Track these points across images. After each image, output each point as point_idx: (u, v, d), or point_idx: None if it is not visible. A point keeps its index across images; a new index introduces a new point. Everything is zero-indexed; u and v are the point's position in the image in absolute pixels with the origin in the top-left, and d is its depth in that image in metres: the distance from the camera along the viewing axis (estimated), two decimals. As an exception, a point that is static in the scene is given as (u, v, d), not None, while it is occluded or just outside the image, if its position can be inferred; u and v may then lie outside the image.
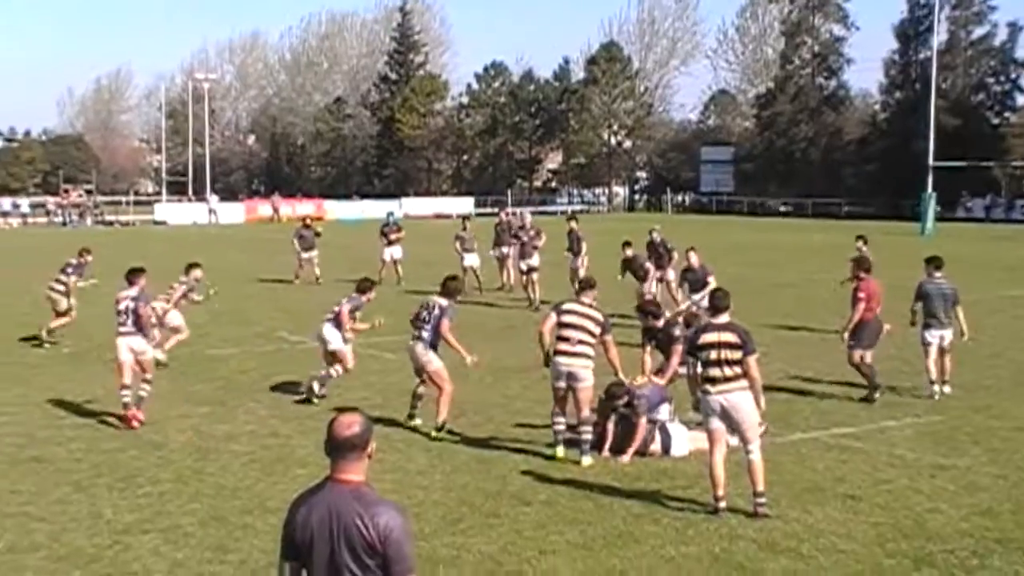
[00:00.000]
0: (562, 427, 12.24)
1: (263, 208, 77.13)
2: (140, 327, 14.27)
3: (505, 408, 14.69)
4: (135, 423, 13.70)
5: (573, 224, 27.83)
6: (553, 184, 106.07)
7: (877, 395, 15.26)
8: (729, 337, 10.26)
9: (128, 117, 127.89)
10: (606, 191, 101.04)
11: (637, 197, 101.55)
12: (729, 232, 57.85)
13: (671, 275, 23.83)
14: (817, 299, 27.07)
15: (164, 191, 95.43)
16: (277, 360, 18.89)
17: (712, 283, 19.05)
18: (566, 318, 12.09)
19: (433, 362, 13.30)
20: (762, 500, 10.19)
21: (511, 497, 10.77)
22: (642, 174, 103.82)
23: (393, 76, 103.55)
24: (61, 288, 20.86)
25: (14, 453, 12.48)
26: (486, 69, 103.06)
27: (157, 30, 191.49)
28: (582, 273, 24.80)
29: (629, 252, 24.06)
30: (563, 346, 11.98)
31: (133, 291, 14.49)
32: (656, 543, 9.51)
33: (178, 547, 9.39)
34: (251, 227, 69.04)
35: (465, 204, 79.04)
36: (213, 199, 77.42)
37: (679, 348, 11.05)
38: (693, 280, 20.83)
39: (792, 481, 11.37)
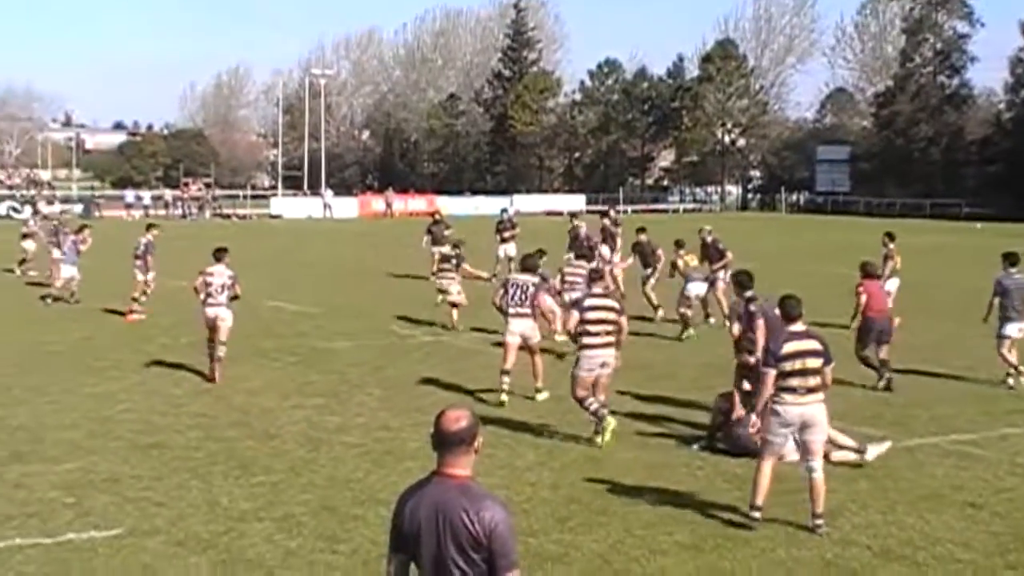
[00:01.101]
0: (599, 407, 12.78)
1: (376, 203, 78.02)
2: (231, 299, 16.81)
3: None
4: (216, 377, 16.20)
5: (606, 221, 28.18)
6: (665, 182, 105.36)
7: (883, 381, 16.05)
8: (813, 345, 9.97)
9: (246, 112, 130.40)
10: (718, 190, 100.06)
11: (750, 196, 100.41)
12: (844, 232, 56.82)
13: (722, 275, 22.39)
14: (933, 301, 26.46)
15: (280, 185, 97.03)
16: (389, 354, 19.08)
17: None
18: (592, 315, 12.76)
19: (537, 335, 14.82)
20: (820, 522, 9.74)
21: (620, 495, 10.72)
22: (756, 173, 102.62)
23: (507, 73, 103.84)
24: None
25: (134, 439, 12.80)
26: (599, 66, 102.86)
27: (276, 28, 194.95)
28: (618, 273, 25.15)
29: (643, 237, 24.59)
30: (594, 339, 12.69)
31: (227, 269, 16.84)
32: (767, 545, 9.39)
33: (291, 536, 9.55)
34: (365, 222, 69.89)
35: (576, 201, 78.99)
36: (328, 194, 78.50)
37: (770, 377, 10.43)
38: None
39: (908, 487, 11.13)
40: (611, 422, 12.66)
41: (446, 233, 30.98)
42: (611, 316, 12.77)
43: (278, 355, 18.77)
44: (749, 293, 12.95)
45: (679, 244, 22.48)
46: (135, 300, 23.22)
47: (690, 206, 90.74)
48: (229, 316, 16.73)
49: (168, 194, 78.60)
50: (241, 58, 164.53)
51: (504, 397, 14.64)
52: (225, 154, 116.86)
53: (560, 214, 73.40)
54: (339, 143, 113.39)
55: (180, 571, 8.78)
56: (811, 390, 9.79)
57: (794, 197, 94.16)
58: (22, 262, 31.86)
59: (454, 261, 22.77)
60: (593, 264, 21.40)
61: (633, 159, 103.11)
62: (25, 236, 32.29)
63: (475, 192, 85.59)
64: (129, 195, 76.72)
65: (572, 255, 24.56)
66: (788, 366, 9.78)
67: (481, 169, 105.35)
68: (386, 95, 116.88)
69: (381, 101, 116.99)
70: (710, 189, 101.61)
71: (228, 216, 72.01)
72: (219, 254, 17.07)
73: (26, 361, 18.07)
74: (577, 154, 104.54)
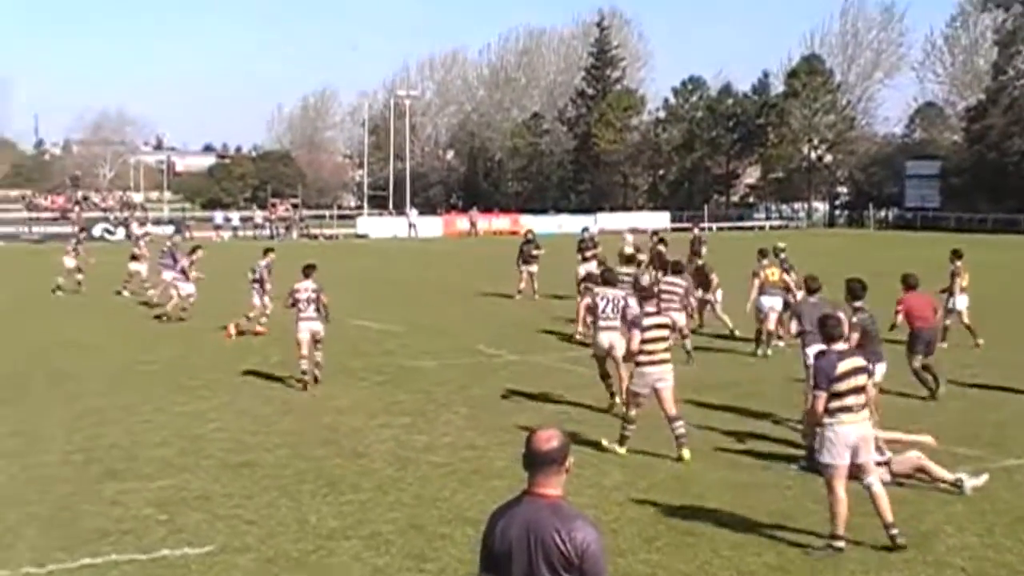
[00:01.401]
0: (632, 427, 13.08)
1: (461, 222, 78.42)
2: (321, 311, 17.81)
3: (705, 424, 14.49)
4: (317, 380, 17.43)
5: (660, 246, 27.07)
6: (751, 199, 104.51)
7: (940, 392, 16.30)
8: (861, 362, 9.89)
9: (332, 133, 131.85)
10: (805, 206, 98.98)
11: (838, 212, 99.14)
12: (934, 248, 55.78)
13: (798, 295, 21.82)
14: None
15: (366, 205, 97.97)
16: (475, 373, 19.12)
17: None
18: (649, 333, 13.00)
19: (623, 347, 14.56)
20: (895, 531, 9.58)
21: (708, 515, 10.61)
22: (843, 189, 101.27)
23: (590, 91, 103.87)
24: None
25: (225, 458, 12.98)
26: (683, 83, 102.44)
27: (361, 50, 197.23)
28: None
29: (699, 261, 24.78)
30: (651, 357, 12.91)
31: (313, 283, 17.80)
32: (857, 568, 9.23)
33: (379, 554, 9.60)
34: (449, 241, 70.29)
35: (661, 219, 78.71)
36: (413, 213, 79.09)
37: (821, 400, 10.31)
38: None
39: (1006, 509, 10.87)
40: (686, 454, 12.75)
41: (534, 253, 31.12)
42: (666, 333, 13.23)
43: (365, 374, 18.91)
44: (859, 303, 13.13)
45: (763, 254, 22.26)
46: (248, 319, 23.75)
47: (776, 223, 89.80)
48: (321, 328, 17.85)
49: (257, 215, 79.75)
50: (327, 80, 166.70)
51: (617, 400, 15.04)
52: (312, 175, 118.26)
53: (644, 231, 73.26)
54: (424, 163, 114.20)
55: (270, 588, 8.88)
56: (863, 406, 9.74)
57: (883, 213, 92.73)
58: (127, 283, 32.32)
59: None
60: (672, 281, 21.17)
61: (718, 176, 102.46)
62: (134, 258, 32.70)
63: (559, 210, 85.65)
64: (218, 216, 77.98)
65: (660, 273, 24.07)
66: (843, 386, 9.62)
67: (565, 188, 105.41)
68: (470, 115, 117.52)
69: (465, 121, 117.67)
70: (796, 206, 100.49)
71: (315, 236, 72.86)
72: (307, 271, 18.01)
73: (120, 380, 18.42)
74: (661, 172, 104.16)
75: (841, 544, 9.57)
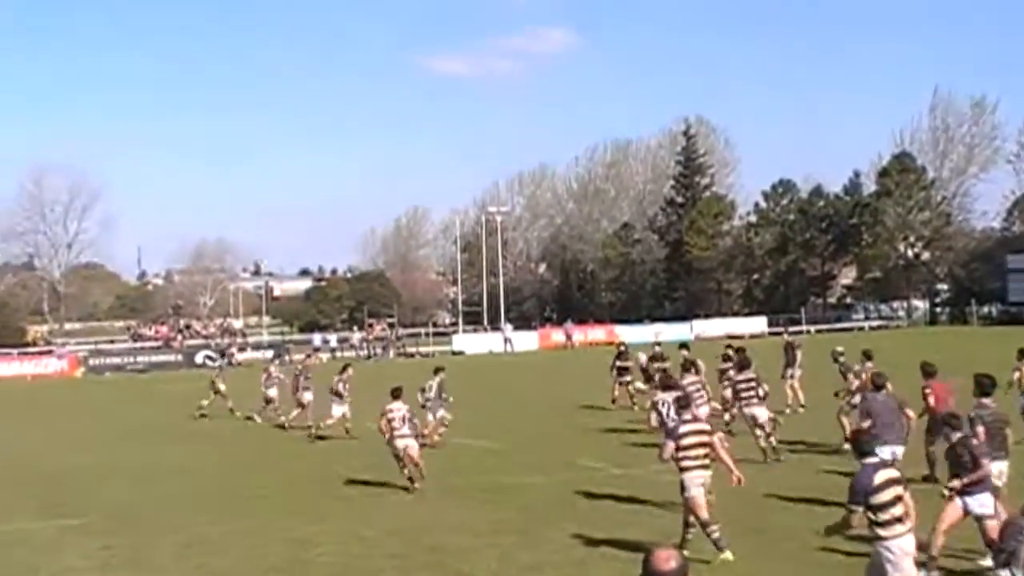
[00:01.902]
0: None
1: (556, 335, 78.39)
2: (413, 430, 19.44)
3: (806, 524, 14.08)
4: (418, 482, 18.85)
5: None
6: (848, 300, 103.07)
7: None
8: (895, 474, 9.94)
9: (425, 252, 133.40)
10: (905, 305, 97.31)
11: (938, 310, 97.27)
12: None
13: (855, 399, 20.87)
14: None
15: (460, 322, 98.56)
16: (578, 487, 18.87)
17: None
18: (687, 440, 13.32)
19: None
20: None
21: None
22: (943, 286, 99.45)
23: (679, 199, 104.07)
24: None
25: (332, 582, 12.89)
26: (774, 187, 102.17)
27: (452, 170, 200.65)
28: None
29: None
30: (693, 463, 13.24)
31: (403, 404, 19.45)
32: None
33: None
34: (545, 354, 70.20)
35: (758, 323, 78.06)
36: (507, 328, 79.30)
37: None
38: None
39: None
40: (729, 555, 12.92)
41: (627, 364, 31.01)
42: (704, 439, 13.50)
43: (467, 492, 18.79)
44: (986, 399, 13.27)
45: (867, 355, 22.49)
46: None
47: (875, 323, 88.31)
48: (415, 444, 19.34)
49: (354, 336, 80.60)
50: (419, 199, 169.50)
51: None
52: (406, 294, 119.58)
53: (741, 337, 72.62)
54: (516, 277, 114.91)
55: None
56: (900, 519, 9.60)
57: (986, 309, 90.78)
58: (264, 407, 31.95)
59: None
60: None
61: (813, 278, 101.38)
62: (268, 383, 32.24)
63: (654, 319, 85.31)
64: (317, 339, 78.95)
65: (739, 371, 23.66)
66: (883, 497, 9.54)
67: (659, 296, 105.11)
68: (561, 227, 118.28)
69: (556, 234, 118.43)
70: (895, 304, 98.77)
71: (412, 355, 73.31)
72: (396, 392, 19.74)
73: (228, 506, 18.53)
74: (755, 276, 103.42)
75: None
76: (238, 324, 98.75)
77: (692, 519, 13.15)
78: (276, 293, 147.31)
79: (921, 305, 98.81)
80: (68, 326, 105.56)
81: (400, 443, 18.96)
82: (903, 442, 16.43)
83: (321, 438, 26.89)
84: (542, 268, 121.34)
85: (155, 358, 71.18)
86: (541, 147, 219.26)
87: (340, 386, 27.41)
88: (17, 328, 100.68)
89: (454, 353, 73.21)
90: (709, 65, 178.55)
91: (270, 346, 78.12)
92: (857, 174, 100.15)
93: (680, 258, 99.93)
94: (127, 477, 22.53)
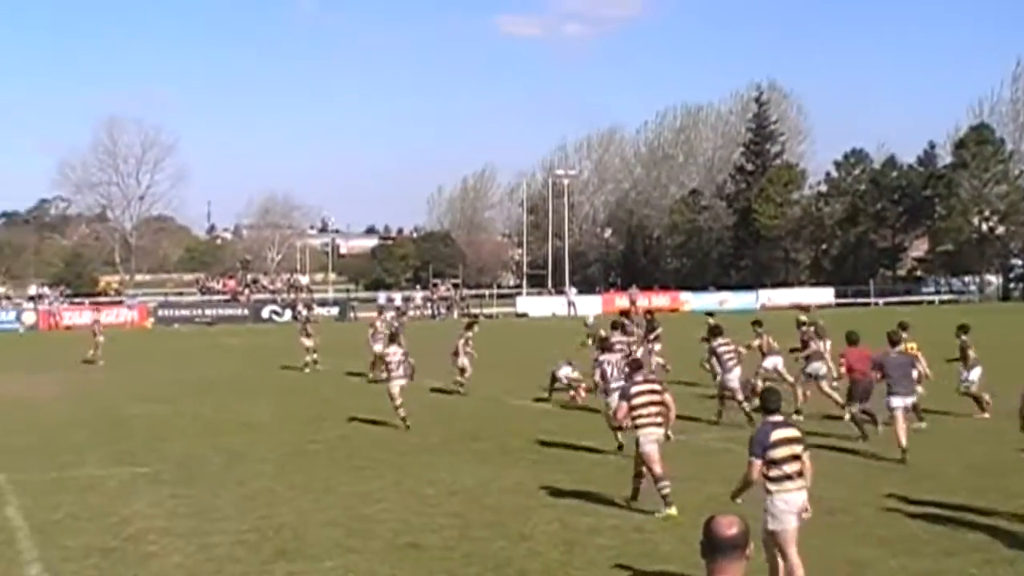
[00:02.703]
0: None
1: (620, 300, 78.17)
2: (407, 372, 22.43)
3: (884, 507, 14.01)
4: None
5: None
6: (918, 273, 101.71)
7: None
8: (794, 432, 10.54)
9: (491, 213, 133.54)
10: (977, 279, 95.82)
11: (1012, 285, 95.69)
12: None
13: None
14: None
15: (525, 284, 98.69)
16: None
17: None
18: (638, 399, 14.16)
19: None
20: None
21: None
22: (1017, 261, 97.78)
23: (749, 167, 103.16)
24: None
25: (392, 539, 13.07)
26: (846, 156, 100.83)
27: (519, 131, 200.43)
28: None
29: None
30: (647, 420, 14.10)
31: (399, 349, 22.73)
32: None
33: (547, 640, 9.49)
34: (609, 319, 70.01)
35: (825, 294, 77.39)
36: (571, 291, 79.27)
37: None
38: None
39: None
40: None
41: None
42: (656, 398, 14.29)
43: (526, 454, 18.89)
44: (894, 348, 14.73)
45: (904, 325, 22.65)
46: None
47: (946, 297, 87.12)
48: (405, 384, 22.33)
49: (419, 295, 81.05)
50: (486, 161, 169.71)
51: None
52: (471, 255, 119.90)
53: (807, 308, 71.95)
54: (582, 241, 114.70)
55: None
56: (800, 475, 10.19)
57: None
58: (373, 364, 31.52)
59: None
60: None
61: (883, 250, 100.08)
62: (375, 338, 32.18)
63: (720, 287, 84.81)
64: (381, 297, 79.40)
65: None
66: (773, 455, 10.13)
67: (725, 264, 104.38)
68: (628, 192, 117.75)
69: (623, 198, 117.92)
70: (967, 279, 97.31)
71: (475, 315, 73.54)
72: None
73: (290, 460, 18.80)
74: (824, 246, 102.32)
75: None
76: (304, 280, 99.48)
77: (661, 471, 13.94)
78: (342, 251, 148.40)
79: (994, 280, 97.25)
80: (139, 277, 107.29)
81: (395, 383, 22.13)
82: (914, 394, 18.76)
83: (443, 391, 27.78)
84: (608, 232, 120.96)
85: (222, 311, 72.15)
86: (611, 111, 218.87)
87: (462, 342, 28.21)
88: (90, 278, 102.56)
89: (517, 315, 73.37)
90: (784, 31, 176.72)
91: (335, 303, 78.83)
92: (932, 145, 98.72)
93: (748, 226, 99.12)
94: (194, 428, 22.94)
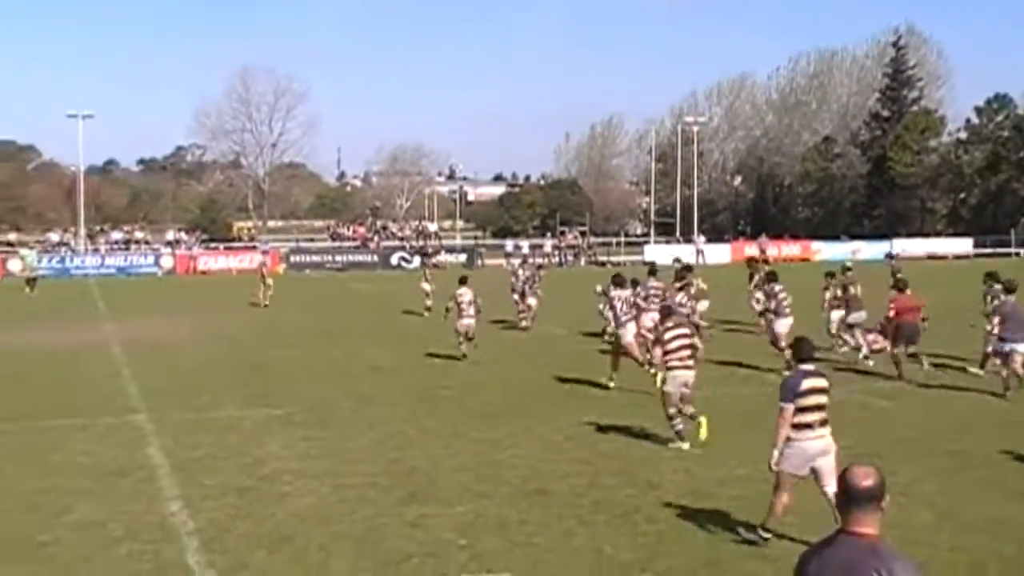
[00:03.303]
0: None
1: (750, 249, 77.15)
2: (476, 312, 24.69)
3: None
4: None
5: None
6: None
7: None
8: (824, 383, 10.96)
9: (619, 161, 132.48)
10: None
11: None
12: None
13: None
14: None
15: (652, 232, 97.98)
16: (771, 403, 18.65)
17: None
18: (673, 343, 15.17)
19: None
20: None
21: (1028, 565, 9.95)
22: None
23: (885, 113, 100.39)
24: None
25: (521, 485, 13.16)
26: (988, 102, 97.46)
27: (648, 79, 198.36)
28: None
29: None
30: (677, 363, 15.13)
31: (469, 290, 24.63)
32: None
33: (677, 589, 9.46)
34: (738, 267, 69.23)
35: (963, 244, 75.35)
36: (700, 240, 78.45)
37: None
38: None
39: None
40: (702, 420, 15.03)
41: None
42: (687, 341, 15.25)
43: (654, 402, 18.76)
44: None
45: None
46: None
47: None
48: (474, 323, 24.62)
49: (547, 243, 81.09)
50: (614, 109, 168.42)
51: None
52: (599, 202, 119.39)
53: (944, 258, 70.25)
54: (711, 189, 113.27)
55: (569, 619, 8.88)
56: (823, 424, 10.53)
57: None
58: (520, 311, 31.68)
59: None
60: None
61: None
62: (517, 285, 32.09)
63: (852, 236, 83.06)
64: (509, 244, 79.67)
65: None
66: (801, 402, 10.52)
67: (858, 213, 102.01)
68: (759, 140, 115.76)
69: (753, 146, 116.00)
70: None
71: (603, 263, 73.36)
72: (464, 279, 25.32)
73: (420, 404, 19.04)
74: (963, 195, 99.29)
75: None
76: (433, 227, 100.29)
77: (675, 411, 15.04)
78: (470, 198, 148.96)
79: None
80: (271, 223, 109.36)
81: (465, 321, 24.44)
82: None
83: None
84: (737, 180, 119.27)
85: (352, 257, 73.11)
86: (742, 56, 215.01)
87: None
88: (224, 223, 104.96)
89: (645, 263, 72.84)
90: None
91: (463, 250, 79.34)
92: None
93: (883, 174, 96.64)
94: (326, 372, 23.37)
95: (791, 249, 76.91)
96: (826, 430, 10.54)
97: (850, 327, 24.45)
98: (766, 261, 33.77)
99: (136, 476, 13.93)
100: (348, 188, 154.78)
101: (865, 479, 4.98)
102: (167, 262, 69.13)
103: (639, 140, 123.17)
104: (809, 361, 10.96)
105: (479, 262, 70.84)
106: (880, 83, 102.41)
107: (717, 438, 15.62)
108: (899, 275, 24.32)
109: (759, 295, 26.34)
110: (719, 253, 75.77)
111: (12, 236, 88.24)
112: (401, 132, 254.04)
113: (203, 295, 47.52)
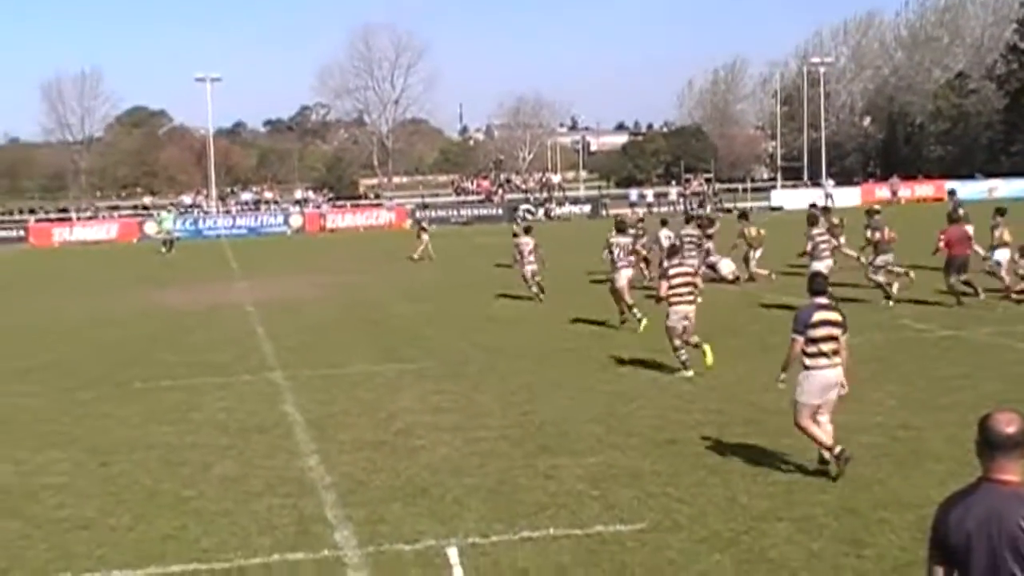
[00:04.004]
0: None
1: (880, 191, 75.51)
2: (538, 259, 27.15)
3: None
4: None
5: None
6: None
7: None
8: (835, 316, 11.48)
9: (743, 106, 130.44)
10: None
11: None
12: None
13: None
14: None
15: (779, 177, 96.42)
16: (904, 348, 18.34)
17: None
18: (677, 280, 16.78)
19: None
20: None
21: None
22: None
23: (1022, 45, 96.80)
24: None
25: (651, 435, 13.14)
26: None
27: (771, 21, 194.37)
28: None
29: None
30: (680, 299, 16.78)
31: (531, 240, 27.28)
32: None
33: (812, 537, 9.37)
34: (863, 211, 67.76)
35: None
36: (829, 183, 76.96)
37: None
38: None
39: None
40: (706, 348, 16.63)
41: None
42: (688, 280, 16.82)
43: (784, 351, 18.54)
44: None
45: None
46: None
47: None
48: (537, 269, 27.08)
49: (671, 191, 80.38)
50: (737, 52, 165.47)
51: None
52: (723, 148, 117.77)
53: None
54: (839, 131, 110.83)
55: (704, 568, 8.87)
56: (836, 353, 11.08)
57: None
58: (647, 263, 30.29)
59: None
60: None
61: None
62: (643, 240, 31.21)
63: (989, 175, 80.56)
64: (633, 193, 79.22)
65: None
66: (812, 333, 11.06)
67: (995, 150, 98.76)
68: (887, 78, 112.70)
69: (883, 85, 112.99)
70: None
71: (729, 210, 72.46)
72: (528, 229, 28.65)
73: (547, 357, 19.12)
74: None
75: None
76: (556, 179, 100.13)
77: (680, 343, 16.62)
78: (592, 148, 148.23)
79: None
80: (395, 180, 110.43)
81: (528, 268, 26.88)
82: None
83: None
84: (866, 121, 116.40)
85: (477, 211, 73.56)
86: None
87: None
88: (350, 181, 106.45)
89: (772, 209, 71.85)
90: None
91: (587, 200, 79.15)
92: None
93: (1021, 109, 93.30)
94: (455, 327, 23.61)
95: (924, 189, 75.03)
96: (839, 359, 11.07)
97: (878, 269, 24.50)
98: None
99: (274, 432, 14.28)
100: (471, 142, 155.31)
101: (1009, 425, 4.86)
102: (296, 221, 70.44)
103: (763, 84, 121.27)
104: (822, 295, 11.44)
105: (603, 212, 70.58)
106: (1018, 13, 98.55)
107: (853, 387, 15.37)
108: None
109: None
110: (849, 196, 74.20)
111: (147, 200, 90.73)
112: (522, 84, 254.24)
113: (332, 253, 48.35)
